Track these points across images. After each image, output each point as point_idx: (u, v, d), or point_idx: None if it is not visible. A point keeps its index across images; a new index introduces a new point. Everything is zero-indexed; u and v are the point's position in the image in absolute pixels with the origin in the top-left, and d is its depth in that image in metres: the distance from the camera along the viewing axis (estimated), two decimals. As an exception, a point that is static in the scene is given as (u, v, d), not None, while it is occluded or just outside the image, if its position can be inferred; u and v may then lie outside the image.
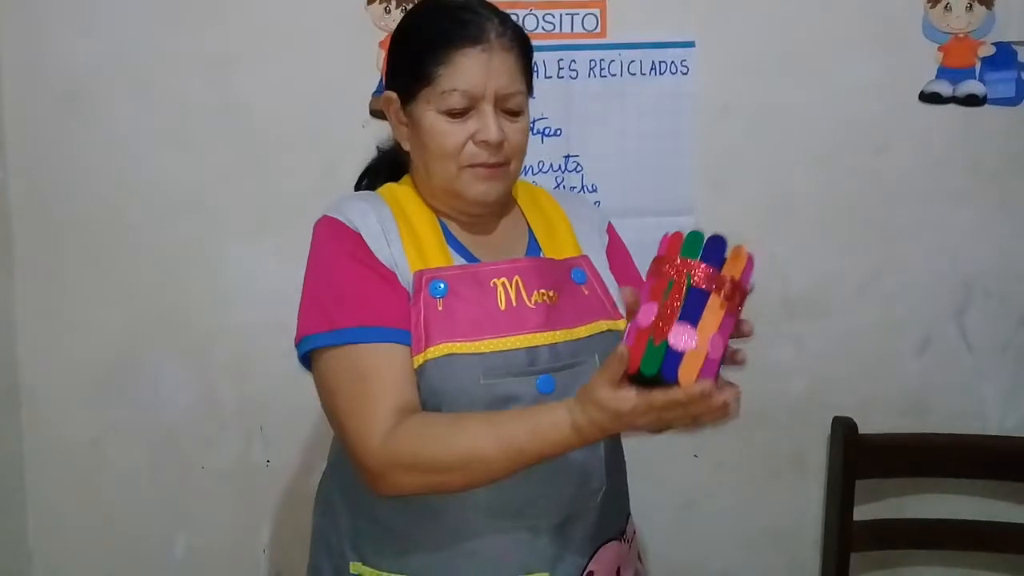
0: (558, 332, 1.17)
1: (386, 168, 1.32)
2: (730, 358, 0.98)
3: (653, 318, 0.98)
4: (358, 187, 1.34)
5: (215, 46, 1.77)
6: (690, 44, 1.79)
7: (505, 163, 1.18)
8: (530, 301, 1.17)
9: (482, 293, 1.16)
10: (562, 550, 1.17)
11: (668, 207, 1.81)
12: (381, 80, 1.78)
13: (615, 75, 1.79)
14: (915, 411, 1.89)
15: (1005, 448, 1.85)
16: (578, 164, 1.82)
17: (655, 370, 0.96)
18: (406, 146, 1.22)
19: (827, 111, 1.81)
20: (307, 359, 1.17)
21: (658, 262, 1.01)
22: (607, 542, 1.22)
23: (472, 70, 1.14)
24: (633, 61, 1.79)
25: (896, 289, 1.86)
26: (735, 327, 0.98)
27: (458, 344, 1.12)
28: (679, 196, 1.81)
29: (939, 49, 1.81)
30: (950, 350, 1.89)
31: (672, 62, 1.79)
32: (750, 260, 1.00)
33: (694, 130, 1.81)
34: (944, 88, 1.82)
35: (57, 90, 1.76)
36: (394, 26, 1.72)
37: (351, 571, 1.21)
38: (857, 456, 1.81)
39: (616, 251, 1.33)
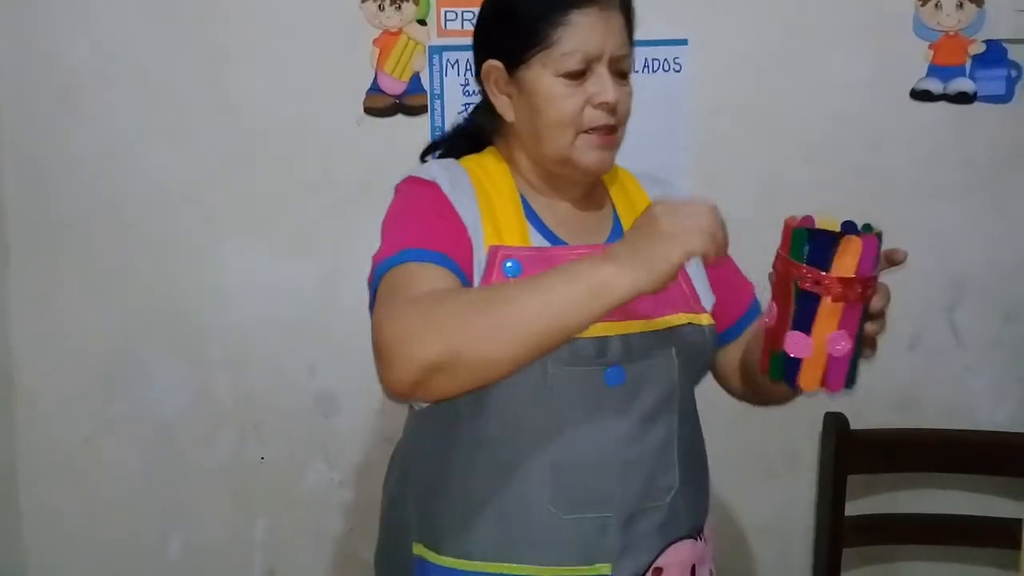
0: (634, 322, 1.13)
1: (464, 143, 1.27)
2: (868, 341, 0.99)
3: (774, 322, 0.98)
4: (423, 159, 1.30)
5: (210, 43, 1.77)
6: (683, 42, 1.79)
7: (617, 127, 1.16)
8: None
9: None
10: (628, 544, 1.14)
11: (661, 204, 1.82)
12: (375, 78, 1.79)
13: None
14: (906, 407, 1.90)
15: (995, 443, 1.86)
16: (572, 161, 1.82)
17: (779, 376, 0.98)
18: (508, 117, 1.18)
19: (819, 108, 1.82)
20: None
21: (776, 258, 0.99)
22: (679, 540, 1.18)
23: (591, 30, 1.12)
24: (626, 59, 1.79)
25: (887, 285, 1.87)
26: (863, 315, 0.96)
27: None
28: (672, 194, 1.81)
29: (929, 47, 1.82)
30: (941, 346, 1.90)
31: (665, 60, 1.79)
32: (866, 246, 0.96)
33: (687, 128, 1.82)
34: (935, 86, 1.83)
35: (52, 87, 1.76)
36: (388, 23, 1.76)
37: (413, 551, 1.20)
38: (848, 452, 1.82)
39: None
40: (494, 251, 1.12)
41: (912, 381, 1.90)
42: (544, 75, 1.13)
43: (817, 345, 0.95)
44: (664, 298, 1.13)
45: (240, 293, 1.82)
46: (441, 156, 1.28)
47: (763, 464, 1.92)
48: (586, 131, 1.14)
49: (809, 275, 0.95)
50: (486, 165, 1.21)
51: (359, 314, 1.81)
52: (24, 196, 1.79)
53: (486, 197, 1.16)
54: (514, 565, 1.13)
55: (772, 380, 1.00)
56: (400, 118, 1.80)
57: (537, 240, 1.16)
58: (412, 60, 1.79)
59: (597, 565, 1.13)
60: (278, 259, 1.82)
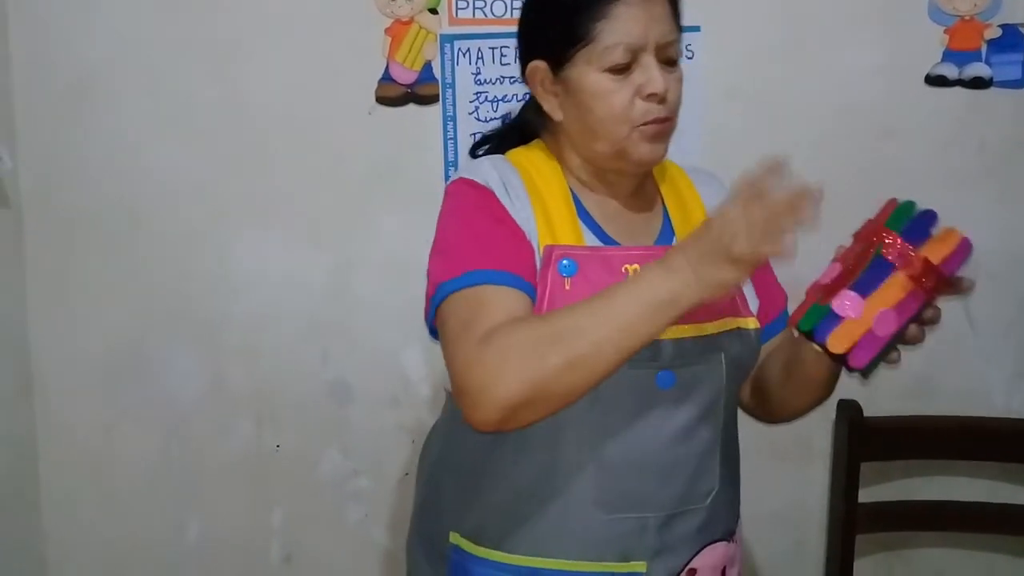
0: (686, 326, 1.12)
1: (512, 136, 1.26)
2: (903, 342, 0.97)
3: (828, 280, 0.97)
4: (473, 153, 1.29)
5: (221, 36, 1.77)
6: (695, 29, 1.78)
7: (670, 117, 1.13)
8: None
9: (611, 278, 1.11)
10: (664, 545, 1.15)
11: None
12: (387, 67, 1.79)
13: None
14: (920, 393, 1.89)
15: (1010, 430, 1.85)
16: (584, 150, 1.82)
17: (810, 327, 0.96)
18: (557, 116, 1.16)
19: (833, 95, 1.81)
20: (433, 327, 1.13)
21: (865, 225, 0.99)
22: (714, 542, 1.19)
23: (633, 21, 1.09)
24: (638, 46, 1.78)
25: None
26: (920, 310, 0.95)
27: None
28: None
29: (945, 32, 1.80)
30: (955, 332, 1.88)
31: (677, 47, 1.79)
32: (962, 246, 0.95)
33: (700, 115, 1.80)
34: (950, 71, 1.81)
35: (65, 82, 1.77)
36: (400, 12, 1.76)
37: (449, 540, 1.20)
38: (862, 439, 1.82)
39: None
40: (549, 250, 1.11)
41: (926, 367, 1.89)
42: (589, 72, 1.11)
43: (867, 312, 0.94)
44: (716, 303, 1.11)
45: (253, 283, 1.83)
46: (489, 151, 1.26)
47: (776, 451, 1.91)
48: (639, 125, 1.12)
49: (898, 244, 0.95)
50: (536, 161, 1.19)
51: (372, 303, 1.84)
52: (39, 191, 1.80)
53: (538, 195, 1.15)
54: (551, 560, 1.14)
55: (799, 331, 0.99)
56: (412, 107, 1.80)
57: (589, 238, 1.16)
58: (423, 49, 1.78)
59: (632, 563, 1.14)
60: (290, 249, 1.82)
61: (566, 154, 1.19)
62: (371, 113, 1.80)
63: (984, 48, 1.80)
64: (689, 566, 1.17)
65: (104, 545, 1.90)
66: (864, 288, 0.95)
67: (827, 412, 1.87)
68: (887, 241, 0.95)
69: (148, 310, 1.83)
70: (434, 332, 1.15)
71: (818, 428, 1.89)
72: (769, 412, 1.30)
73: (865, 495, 1.84)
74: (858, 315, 0.94)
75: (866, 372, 0.98)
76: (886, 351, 0.97)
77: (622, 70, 1.10)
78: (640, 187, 1.22)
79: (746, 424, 1.84)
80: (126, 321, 1.83)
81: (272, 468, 1.89)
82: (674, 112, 1.14)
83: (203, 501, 1.90)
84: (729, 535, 1.23)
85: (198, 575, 1.91)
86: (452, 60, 1.78)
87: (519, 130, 1.26)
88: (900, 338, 0.97)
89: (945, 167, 1.83)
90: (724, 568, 1.22)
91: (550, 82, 1.15)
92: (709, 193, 1.27)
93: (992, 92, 1.81)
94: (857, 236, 1.01)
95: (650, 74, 1.10)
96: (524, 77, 1.19)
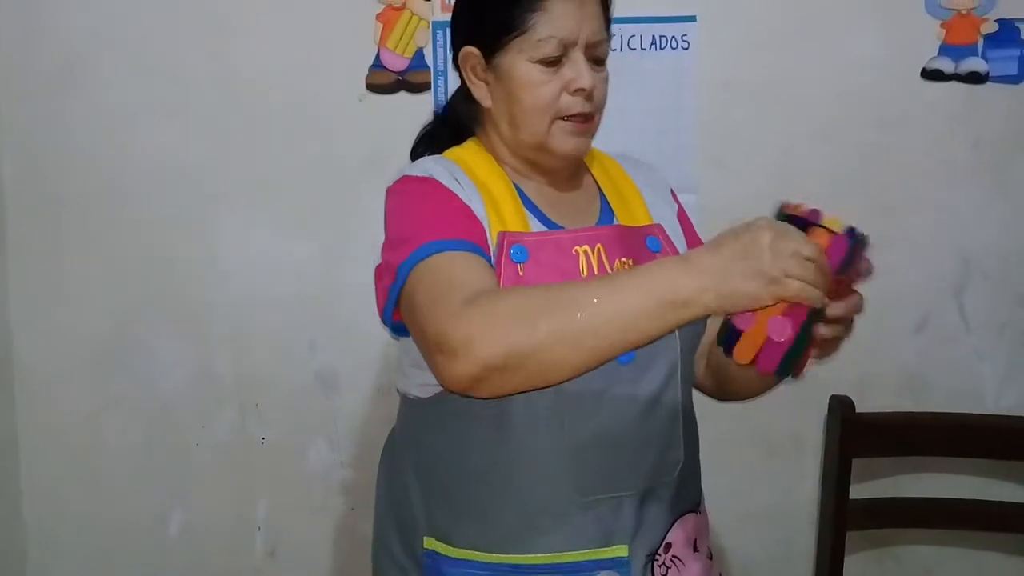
0: None
1: (447, 132, 1.26)
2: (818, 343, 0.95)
3: None
4: (414, 155, 1.27)
5: (211, 19, 1.76)
6: (691, 18, 1.77)
7: (594, 114, 1.16)
8: (611, 270, 1.15)
9: (564, 261, 1.13)
10: (641, 523, 1.16)
11: (668, 184, 1.80)
12: (378, 54, 1.77)
13: (615, 50, 1.72)
14: (912, 390, 1.89)
15: (1002, 427, 1.85)
16: (577, 140, 1.80)
17: (720, 342, 0.97)
18: (486, 103, 1.19)
19: (829, 87, 1.80)
20: (396, 325, 1.12)
21: None
22: (684, 514, 1.21)
23: (567, 16, 1.12)
24: (633, 36, 1.77)
25: (895, 267, 1.85)
26: (815, 310, 0.93)
27: None
28: (680, 173, 1.78)
29: (941, 25, 1.79)
30: (948, 329, 1.88)
31: (673, 37, 1.77)
32: (836, 243, 0.93)
33: (695, 106, 1.79)
34: (946, 65, 1.80)
35: (52, 62, 1.75)
36: (391, 0, 1.74)
37: (424, 546, 1.18)
38: (854, 435, 1.81)
39: (684, 217, 1.31)
40: (501, 237, 1.12)
41: (919, 364, 1.89)
42: (520, 61, 1.13)
43: (759, 323, 0.94)
44: None
45: (240, 270, 1.81)
46: (426, 151, 1.26)
47: (768, 446, 1.91)
48: (562, 118, 1.14)
49: None
50: (474, 157, 1.20)
51: (360, 291, 1.80)
52: (23, 173, 1.78)
53: (483, 186, 1.16)
54: (531, 556, 1.13)
55: (718, 344, 0.99)
56: (403, 95, 1.78)
57: (535, 224, 1.16)
58: (415, 36, 1.77)
59: (614, 547, 1.14)
60: (279, 236, 1.81)
61: (499, 148, 1.21)
62: (362, 100, 1.78)
63: (980, 43, 1.80)
64: (665, 540, 1.18)
65: (85, 535, 1.88)
66: None
67: (819, 407, 1.86)
68: None
69: (133, 296, 1.81)
70: (395, 330, 1.14)
71: (810, 423, 1.89)
72: (724, 392, 1.30)
73: (856, 491, 1.83)
74: (750, 328, 0.94)
75: (782, 373, 0.97)
76: (796, 353, 0.95)
77: (552, 63, 1.13)
78: (574, 175, 1.24)
79: (737, 419, 1.84)
80: (111, 307, 1.81)
81: (257, 459, 1.87)
82: (598, 109, 1.17)
83: (187, 492, 1.88)
84: (696, 506, 1.25)
85: (181, 567, 1.90)
86: (444, 47, 1.77)
87: (453, 128, 1.26)
88: (809, 339, 0.95)
89: (940, 162, 1.83)
90: (696, 540, 1.23)
91: (481, 68, 1.17)
92: (640, 176, 1.29)
93: (988, 87, 1.81)
94: None
95: (579, 69, 1.13)
96: (456, 62, 1.21)
